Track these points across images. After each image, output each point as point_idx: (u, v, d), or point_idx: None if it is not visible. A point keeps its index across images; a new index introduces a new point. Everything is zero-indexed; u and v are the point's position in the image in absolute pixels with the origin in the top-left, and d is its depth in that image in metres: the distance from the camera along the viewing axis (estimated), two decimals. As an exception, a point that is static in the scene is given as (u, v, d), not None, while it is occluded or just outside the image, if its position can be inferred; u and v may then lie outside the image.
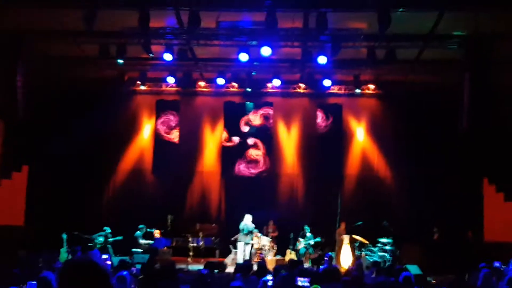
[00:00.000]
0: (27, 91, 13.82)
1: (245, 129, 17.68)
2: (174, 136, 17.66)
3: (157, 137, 17.71)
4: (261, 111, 17.69)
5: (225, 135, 17.68)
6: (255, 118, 17.70)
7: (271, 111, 17.70)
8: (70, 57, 14.92)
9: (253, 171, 17.50)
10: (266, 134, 17.69)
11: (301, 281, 6.32)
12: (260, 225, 15.40)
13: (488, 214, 15.20)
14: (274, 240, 15.45)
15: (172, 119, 17.75)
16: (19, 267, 8.59)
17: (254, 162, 17.54)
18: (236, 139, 17.64)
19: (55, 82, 15.87)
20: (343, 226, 15.50)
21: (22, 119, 14.21)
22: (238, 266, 10.46)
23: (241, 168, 17.50)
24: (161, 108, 17.80)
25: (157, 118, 17.75)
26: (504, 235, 14.20)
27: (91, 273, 2.32)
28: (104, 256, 10.87)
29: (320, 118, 17.35)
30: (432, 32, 12.57)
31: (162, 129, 17.69)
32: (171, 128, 17.70)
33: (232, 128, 17.69)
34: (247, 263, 8.58)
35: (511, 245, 13.77)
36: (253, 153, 17.57)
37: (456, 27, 12.68)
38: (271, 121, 17.68)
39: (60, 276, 2.39)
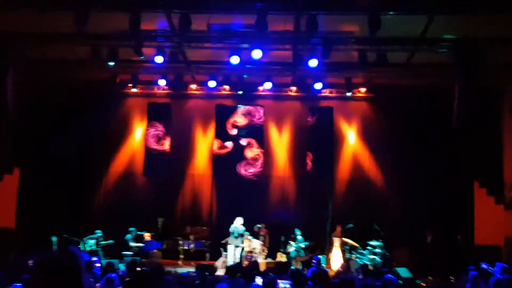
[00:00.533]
0: (17, 94, 13.77)
1: (233, 131, 17.67)
2: (165, 145, 17.63)
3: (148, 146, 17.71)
4: (243, 111, 17.67)
5: (217, 144, 17.64)
6: (240, 119, 17.70)
7: (252, 108, 17.73)
8: (61, 60, 14.88)
9: (251, 170, 17.48)
10: (256, 131, 17.67)
11: (283, 282, 6.33)
12: (251, 228, 15.39)
13: (478, 217, 15.26)
14: (266, 242, 15.43)
15: (160, 130, 17.69)
16: (7, 269, 8.54)
17: (253, 160, 17.52)
18: (229, 144, 17.64)
19: (47, 84, 15.83)
20: (339, 229, 15.48)
21: (13, 122, 14.17)
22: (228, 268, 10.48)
23: (242, 170, 17.50)
24: (152, 112, 17.76)
25: (147, 127, 17.71)
26: (494, 238, 14.26)
27: (60, 267, 2.31)
28: (94, 259, 10.81)
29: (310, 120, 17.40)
30: (422, 35, 12.63)
31: (151, 141, 17.64)
32: (159, 139, 17.64)
33: (222, 133, 17.68)
34: (236, 265, 8.57)
35: (500, 248, 13.85)
36: (249, 153, 17.57)
37: (447, 30, 12.74)
38: (257, 117, 17.64)
39: (32, 270, 2.39)
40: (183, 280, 5.71)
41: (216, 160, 17.65)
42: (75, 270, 2.35)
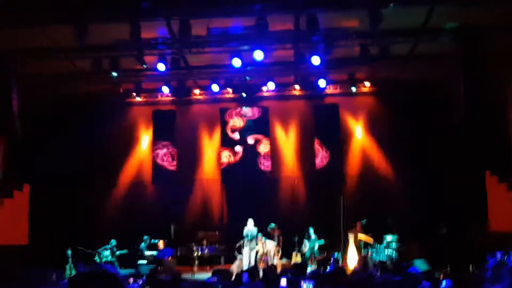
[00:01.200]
0: (22, 110, 13.81)
1: (236, 135, 17.64)
2: (174, 163, 17.71)
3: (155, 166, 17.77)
4: (237, 113, 17.70)
5: (227, 153, 17.62)
6: (236, 122, 17.65)
7: (248, 109, 17.71)
8: (64, 74, 14.89)
9: (267, 164, 17.53)
10: (259, 126, 17.68)
11: (306, 284, 6.27)
12: (264, 230, 15.33)
13: (492, 205, 15.15)
14: (279, 243, 15.36)
15: (169, 149, 17.78)
16: (22, 285, 8.53)
17: (267, 155, 17.53)
18: (239, 149, 17.62)
19: (50, 99, 15.85)
20: (358, 225, 15.31)
21: (21, 138, 14.21)
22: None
23: (262, 166, 17.52)
24: (157, 120, 17.80)
25: (153, 145, 17.79)
26: (509, 224, 14.13)
27: (102, 282, 2.30)
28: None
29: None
30: (424, 25, 12.56)
31: (161, 161, 17.73)
32: (171, 159, 17.70)
33: (227, 139, 17.70)
34: (254, 269, 8.52)
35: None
36: (262, 148, 17.57)
37: (449, 19, 12.65)
38: (256, 115, 17.65)
39: (71, 285, 2.37)
40: (204, 286, 5.68)
41: (235, 167, 17.70)
42: (116, 283, 2.34)
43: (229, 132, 17.68)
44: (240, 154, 17.61)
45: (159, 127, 17.87)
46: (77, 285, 2.31)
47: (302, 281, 6.17)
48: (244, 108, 17.75)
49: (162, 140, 17.80)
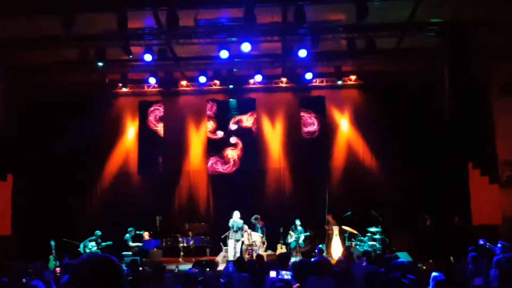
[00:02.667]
0: (7, 100, 13.67)
1: (233, 127, 17.65)
2: (160, 128, 17.62)
3: (143, 133, 17.62)
4: (253, 115, 17.67)
5: (212, 125, 17.62)
6: (245, 120, 17.67)
7: (232, 100, 17.80)
8: (50, 64, 14.77)
9: (222, 168, 17.48)
10: (250, 137, 17.64)
11: (286, 274, 6.35)
12: (249, 221, 15.40)
13: (474, 198, 15.36)
14: (264, 234, 15.46)
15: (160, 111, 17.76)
16: (7, 276, 8.50)
17: (228, 160, 17.53)
18: (220, 134, 17.61)
19: (35, 89, 15.70)
20: (330, 218, 15.61)
21: (4, 128, 14.07)
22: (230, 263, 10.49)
23: (213, 164, 17.48)
24: (144, 109, 17.73)
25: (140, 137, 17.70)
26: (491, 218, 14.37)
27: (105, 269, 2.31)
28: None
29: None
30: (410, 20, 12.66)
31: (152, 120, 17.63)
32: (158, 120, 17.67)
33: (221, 122, 17.66)
34: (241, 259, 8.58)
35: (498, 227, 13.96)
36: (230, 153, 17.55)
37: (434, 14, 12.77)
38: (257, 126, 17.70)
39: (74, 272, 2.37)
40: (187, 277, 5.72)
41: (210, 151, 17.62)
42: (118, 270, 2.35)
43: (232, 120, 17.64)
44: (218, 137, 17.58)
45: (145, 119, 17.77)
46: (80, 272, 2.31)
47: (282, 272, 6.24)
48: (232, 100, 17.74)
49: (149, 131, 17.69)
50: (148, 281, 7.22)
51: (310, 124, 17.34)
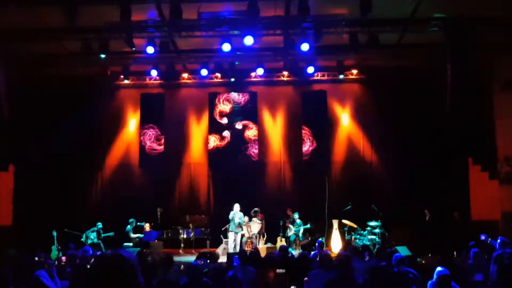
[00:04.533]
0: (9, 91, 13.70)
1: (224, 120, 17.67)
2: (161, 145, 17.66)
3: (144, 125, 17.71)
4: (224, 98, 17.68)
5: (215, 139, 17.65)
6: (225, 107, 17.70)
7: (235, 94, 17.74)
8: (52, 55, 14.79)
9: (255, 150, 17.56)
10: (248, 112, 17.66)
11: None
12: (249, 214, 15.46)
13: (474, 193, 15.43)
14: (262, 228, 15.53)
15: (155, 131, 17.70)
16: (10, 267, 8.54)
17: (255, 141, 17.57)
18: (227, 134, 17.65)
19: (39, 80, 15.76)
20: (289, 212, 15.71)
21: (6, 119, 14.11)
22: (230, 255, 10.56)
23: (252, 151, 17.53)
24: (144, 104, 17.74)
25: (141, 132, 17.68)
26: (491, 213, 14.45)
27: (121, 267, 2.36)
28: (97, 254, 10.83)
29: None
30: (413, 15, 12.68)
31: (148, 144, 17.64)
32: (157, 140, 17.67)
33: (215, 124, 17.68)
34: (244, 253, 8.65)
35: (497, 222, 14.05)
36: (249, 133, 17.60)
37: (437, 10, 12.78)
38: (243, 100, 17.67)
39: (91, 271, 2.43)
40: (192, 269, 5.78)
41: (224, 152, 17.66)
42: (132, 271, 2.40)
43: (217, 117, 17.70)
44: (228, 139, 17.64)
45: (147, 110, 17.80)
46: (97, 271, 2.36)
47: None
48: (232, 93, 17.76)
49: (150, 123, 17.74)
50: (156, 269, 7.27)
51: (311, 120, 17.39)
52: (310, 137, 17.31)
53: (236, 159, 17.40)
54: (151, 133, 17.66)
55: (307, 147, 17.29)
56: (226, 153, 17.53)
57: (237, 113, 17.69)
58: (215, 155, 17.59)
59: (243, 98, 17.76)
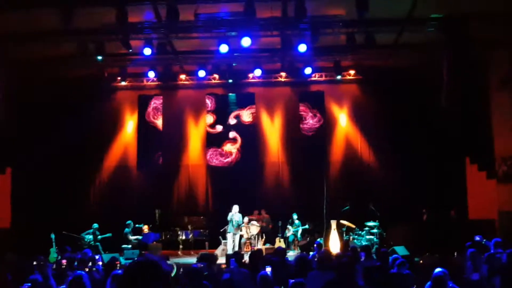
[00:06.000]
0: (6, 93, 13.66)
1: (232, 121, 17.68)
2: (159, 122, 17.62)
3: (142, 127, 17.62)
4: (251, 110, 17.68)
5: (212, 119, 17.62)
6: (245, 115, 17.70)
7: (231, 94, 17.84)
8: (49, 57, 14.74)
9: (220, 160, 17.50)
10: (248, 131, 17.68)
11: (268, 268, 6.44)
12: (248, 215, 15.48)
13: (471, 192, 15.47)
14: (261, 229, 15.55)
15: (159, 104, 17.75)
16: (9, 271, 8.53)
17: (226, 154, 17.56)
18: (219, 128, 17.64)
19: (36, 83, 15.68)
20: (263, 213, 15.80)
21: (4, 121, 14.08)
22: (229, 257, 10.57)
23: (212, 157, 17.50)
24: (143, 102, 17.72)
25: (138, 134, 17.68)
26: (488, 212, 14.47)
27: (155, 273, 2.37)
28: (96, 257, 10.78)
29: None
30: (409, 15, 12.68)
31: (151, 113, 17.61)
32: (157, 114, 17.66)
33: (221, 116, 17.66)
34: (239, 254, 8.64)
35: (494, 222, 14.07)
36: (229, 147, 17.57)
37: (433, 9, 12.79)
38: (256, 120, 17.72)
39: (126, 276, 2.44)
40: (192, 272, 5.77)
41: (209, 144, 17.64)
42: (166, 274, 2.42)
43: (232, 115, 17.66)
44: (217, 131, 17.59)
45: (144, 112, 17.77)
46: (132, 276, 2.37)
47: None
48: (230, 94, 17.76)
49: (148, 125, 17.69)
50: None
51: (309, 118, 17.37)
52: (307, 138, 17.30)
53: (235, 160, 17.38)
54: (149, 135, 17.64)
55: (305, 147, 17.28)
56: (225, 154, 17.51)
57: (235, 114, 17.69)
58: (214, 155, 17.56)
59: (241, 99, 17.76)
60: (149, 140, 17.58)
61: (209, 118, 17.71)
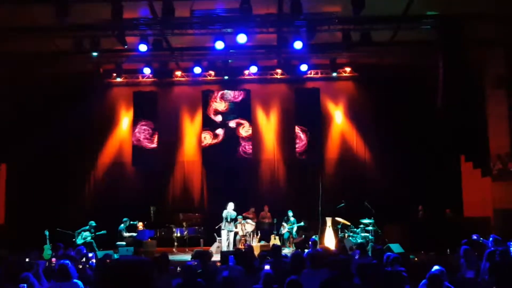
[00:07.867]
0: (2, 89, 13.60)
1: (218, 118, 17.64)
2: (154, 142, 17.56)
3: (137, 123, 17.62)
4: (220, 96, 17.66)
5: (208, 136, 17.58)
6: (220, 105, 17.67)
7: (230, 92, 17.71)
8: (44, 53, 14.66)
9: (249, 148, 17.50)
10: (242, 110, 17.64)
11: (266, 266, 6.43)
12: (242, 212, 15.47)
13: (466, 190, 15.53)
14: (255, 226, 15.55)
15: (149, 127, 17.60)
16: (2, 268, 8.49)
17: (248, 139, 17.53)
18: (220, 132, 17.60)
19: (31, 79, 15.62)
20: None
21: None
22: (223, 254, 10.53)
23: (242, 151, 17.49)
24: (137, 102, 17.65)
25: (133, 124, 17.60)
26: (483, 210, 14.53)
27: (132, 271, 2.36)
28: (90, 254, 10.74)
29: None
30: (405, 13, 12.68)
31: (141, 140, 17.55)
32: (150, 137, 17.57)
33: (209, 121, 17.63)
34: (237, 251, 8.61)
35: (489, 219, 14.12)
36: (243, 132, 17.56)
37: (429, 7, 12.79)
38: (239, 98, 17.64)
39: (100, 275, 2.43)
40: (186, 269, 5.74)
41: (217, 148, 17.61)
42: (147, 275, 2.41)
43: (211, 115, 17.63)
44: (221, 136, 17.59)
45: (140, 108, 17.71)
46: (106, 275, 2.36)
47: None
48: (226, 91, 17.72)
49: (143, 122, 17.66)
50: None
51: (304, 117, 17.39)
52: (303, 135, 17.31)
53: (229, 157, 17.37)
54: (144, 133, 17.58)
55: (300, 144, 17.30)
56: (220, 151, 17.48)
57: (231, 111, 17.65)
58: (208, 153, 17.54)
59: (237, 96, 17.73)
60: (144, 137, 17.50)
61: (214, 105, 17.64)
